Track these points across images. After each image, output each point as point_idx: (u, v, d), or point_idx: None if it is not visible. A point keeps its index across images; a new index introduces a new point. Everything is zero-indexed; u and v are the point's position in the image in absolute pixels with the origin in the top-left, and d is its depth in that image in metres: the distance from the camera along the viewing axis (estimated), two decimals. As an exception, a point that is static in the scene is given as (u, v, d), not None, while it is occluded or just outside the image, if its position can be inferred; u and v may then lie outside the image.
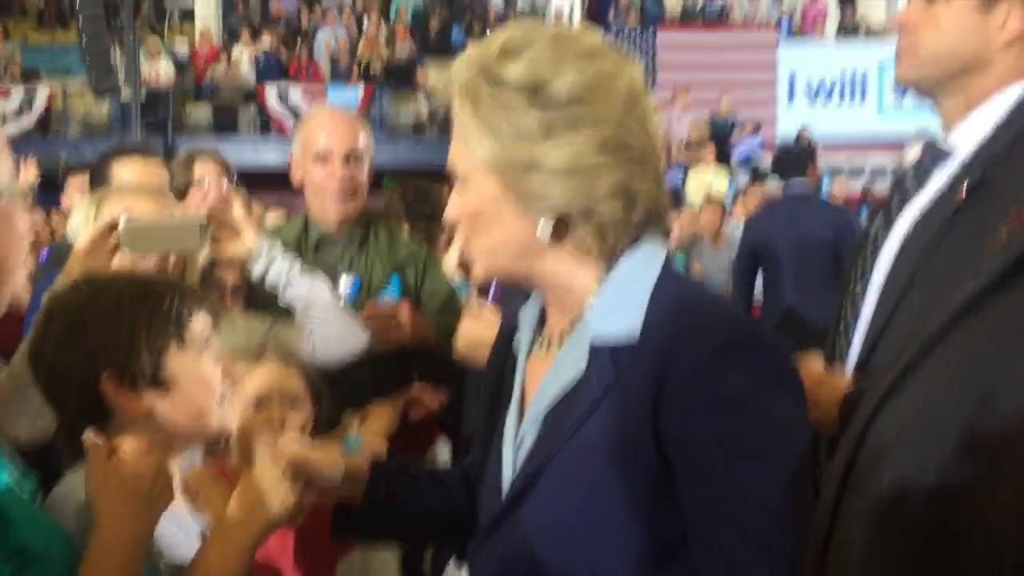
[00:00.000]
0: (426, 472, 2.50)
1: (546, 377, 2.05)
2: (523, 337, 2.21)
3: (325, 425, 3.23)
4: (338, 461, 2.30)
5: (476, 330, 3.22)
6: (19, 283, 2.03)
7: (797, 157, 8.03)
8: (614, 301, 2.00)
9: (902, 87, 2.82)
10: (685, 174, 16.89)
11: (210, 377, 2.46)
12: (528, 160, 1.94)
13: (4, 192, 1.96)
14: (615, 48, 2.16)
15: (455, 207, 2.12)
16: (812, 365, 2.64)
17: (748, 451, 1.86)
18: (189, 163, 4.41)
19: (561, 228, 1.97)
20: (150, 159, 4.18)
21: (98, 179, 4.11)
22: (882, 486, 1.41)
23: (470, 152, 2.03)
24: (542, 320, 2.19)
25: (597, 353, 1.96)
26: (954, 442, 1.32)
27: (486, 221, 2.04)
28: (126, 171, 4.03)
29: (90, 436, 2.15)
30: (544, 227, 1.96)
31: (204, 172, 4.38)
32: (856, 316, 2.72)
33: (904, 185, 2.75)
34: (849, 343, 2.71)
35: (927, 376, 1.42)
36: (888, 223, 2.72)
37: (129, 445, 2.16)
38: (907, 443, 1.40)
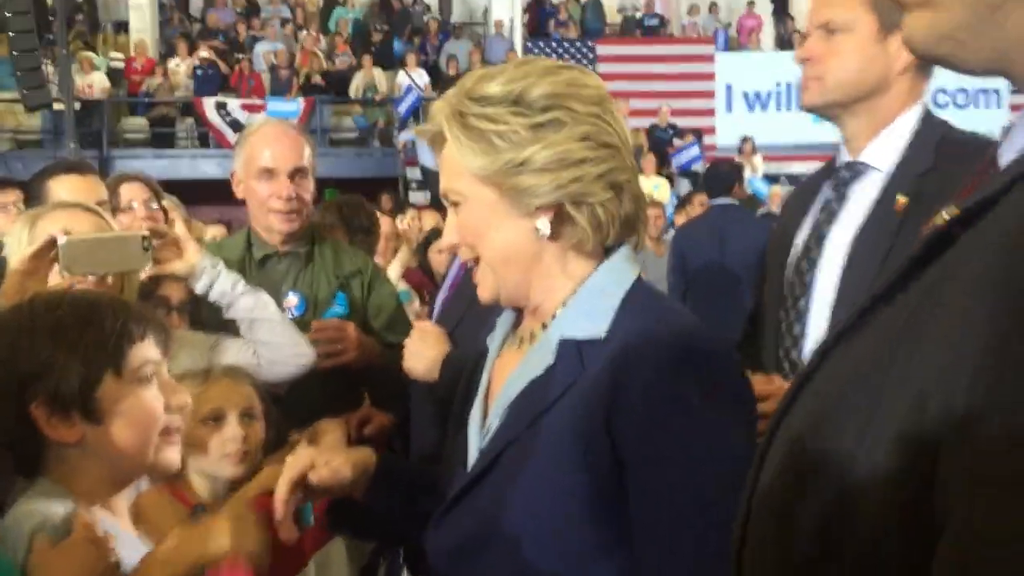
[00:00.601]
0: (422, 477, 2.54)
1: (515, 371, 2.14)
2: (497, 336, 2.28)
3: (272, 444, 3.17)
4: (346, 467, 2.31)
5: (423, 347, 3.21)
6: None
7: (726, 175, 8.36)
8: (587, 305, 2.09)
9: (802, 108, 3.10)
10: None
11: (148, 410, 2.30)
12: (520, 161, 2.06)
13: None
14: (569, 65, 2.28)
15: (454, 230, 2.22)
16: (761, 375, 2.70)
17: (694, 459, 1.93)
18: (115, 187, 4.31)
19: (558, 222, 2.05)
20: (88, 175, 4.10)
21: (34, 197, 4.02)
22: (770, 481, 1.44)
23: (465, 168, 2.13)
24: (517, 323, 2.27)
25: (564, 348, 2.06)
26: (827, 447, 1.33)
27: (490, 230, 2.16)
28: (63, 188, 3.95)
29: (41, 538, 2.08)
30: (543, 222, 2.05)
31: (132, 195, 4.29)
32: (803, 330, 2.86)
33: (828, 202, 2.90)
34: (800, 355, 2.84)
35: (829, 368, 1.43)
36: (820, 240, 2.87)
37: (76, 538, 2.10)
38: (804, 432, 1.42)
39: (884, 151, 2.81)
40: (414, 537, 2.52)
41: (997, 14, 1.15)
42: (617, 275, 2.13)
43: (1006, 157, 1.30)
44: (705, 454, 1.94)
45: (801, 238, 2.92)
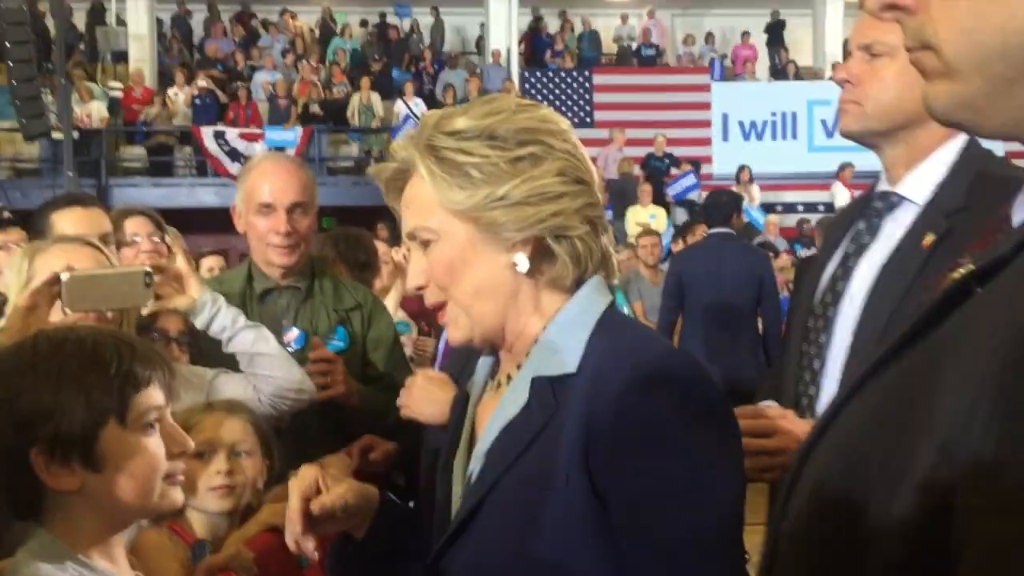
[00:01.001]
0: (420, 519, 2.44)
1: (493, 415, 2.10)
2: (477, 381, 2.26)
3: (276, 478, 3.15)
4: (350, 495, 2.27)
5: (431, 391, 3.20)
6: None
7: (724, 205, 8.41)
8: (557, 340, 2.06)
9: (834, 131, 2.96)
10: (613, 214, 17.00)
11: (151, 459, 2.23)
12: (500, 195, 2.03)
13: None
14: (536, 103, 2.26)
15: (421, 271, 2.16)
16: (776, 408, 2.62)
17: (674, 491, 1.90)
18: (119, 221, 4.30)
19: (537, 256, 2.03)
20: (91, 207, 4.08)
21: (37, 230, 4.01)
22: (794, 528, 1.46)
23: (439, 204, 2.09)
24: (495, 365, 2.25)
25: (537, 387, 2.02)
26: (857, 479, 1.36)
27: (464, 266, 2.12)
28: (67, 221, 3.94)
29: None
30: (521, 257, 2.03)
31: (135, 229, 4.27)
32: (822, 365, 2.75)
33: (859, 233, 2.79)
34: (819, 391, 2.75)
35: (850, 414, 1.46)
36: (847, 273, 2.76)
37: None
38: (826, 478, 1.44)
39: (920, 184, 2.69)
40: None
41: (1014, 88, 1.18)
42: (587, 306, 2.10)
43: (1019, 215, 1.33)
44: (685, 484, 1.91)
45: (830, 270, 2.83)
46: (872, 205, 2.79)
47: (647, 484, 1.92)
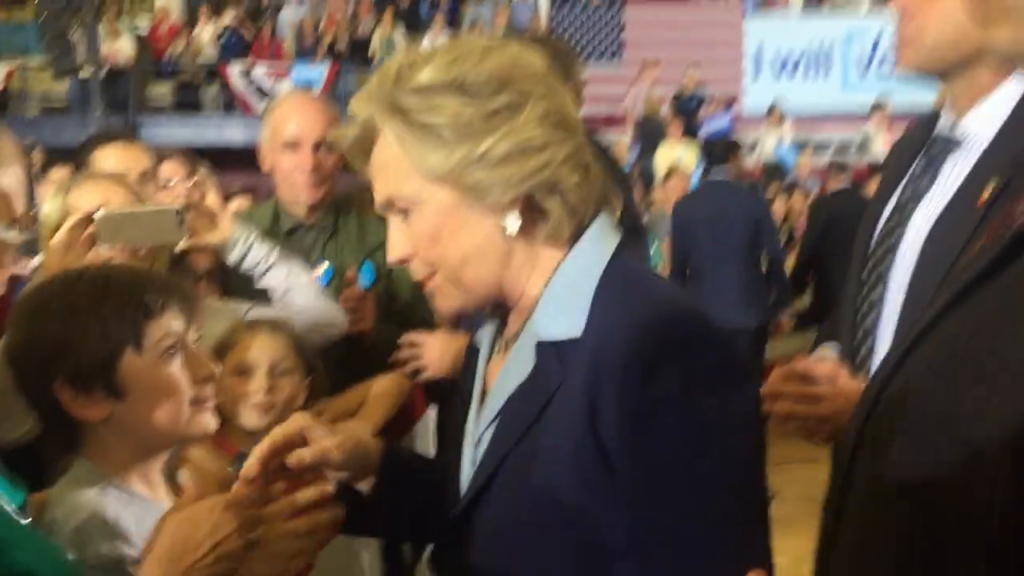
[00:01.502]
0: (425, 471, 2.35)
1: (499, 378, 2.03)
2: (483, 339, 2.19)
3: (319, 395, 3.23)
4: (350, 448, 2.21)
5: (445, 344, 3.21)
6: None
7: (723, 148, 8.82)
8: (560, 298, 1.96)
9: (870, 67, 2.76)
10: (641, 152, 16.93)
11: (172, 383, 2.37)
12: (479, 154, 1.90)
13: None
14: (507, 40, 2.10)
15: (403, 241, 2.02)
16: (829, 367, 2.51)
17: (683, 457, 1.83)
18: (155, 164, 4.33)
19: (528, 215, 1.94)
20: (132, 144, 4.11)
21: (79, 167, 4.04)
22: (882, 472, 1.47)
23: (414, 169, 1.96)
24: (503, 322, 2.17)
25: (543, 352, 1.94)
26: (941, 428, 1.37)
27: (450, 235, 1.96)
28: (108, 158, 3.98)
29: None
30: (511, 218, 1.93)
31: (172, 172, 4.34)
32: (877, 320, 2.62)
33: (915, 177, 2.62)
34: (873, 348, 2.61)
35: (918, 361, 1.48)
36: (902, 220, 2.60)
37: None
38: (903, 429, 1.46)
39: (983, 122, 2.47)
40: (422, 539, 2.41)
41: None
42: (589, 259, 1.95)
43: None
44: (696, 450, 1.83)
45: (884, 217, 2.66)
46: (933, 146, 2.60)
47: (654, 455, 1.83)
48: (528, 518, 1.94)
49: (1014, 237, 1.39)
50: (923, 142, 2.65)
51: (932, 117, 2.67)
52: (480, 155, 1.90)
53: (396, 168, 1.96)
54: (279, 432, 2.15)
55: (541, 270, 1.97)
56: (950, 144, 2.54)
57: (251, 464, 2.12)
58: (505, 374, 2.00)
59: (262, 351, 3.14)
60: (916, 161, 2.64)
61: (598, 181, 1.99)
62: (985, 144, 2.47)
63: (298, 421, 2.16)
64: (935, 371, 1.45)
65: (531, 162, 1.90)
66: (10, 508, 2.02)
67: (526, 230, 1.94)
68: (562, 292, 1.97)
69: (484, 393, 2.13)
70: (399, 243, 2.01)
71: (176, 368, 2.35)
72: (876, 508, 1.51)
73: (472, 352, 2.23)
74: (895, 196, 2.66)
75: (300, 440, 2.15)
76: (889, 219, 2.63)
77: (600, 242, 1.98)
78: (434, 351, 3.47)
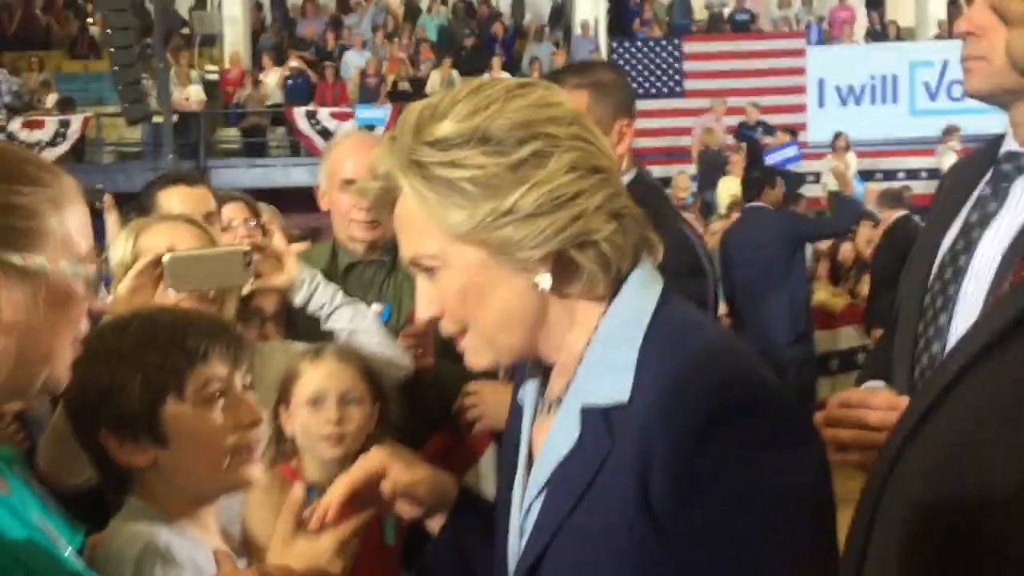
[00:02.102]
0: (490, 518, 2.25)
1: (544, 444, 1.90)
2: (527, 399, 2.11)
3: (392, 428, 3.20)
4: (421, 487, 2.16)
5: (501, 395, 3.19)
6: (61, 367, 1.99)
7: (755, 181, 8.89)
8: (603, 359, 1.86)
9: (938, 94, 2.63)
10: (700, 186, 16.91)
11: (214, 430, 2.36)
12: (505, 210, 1.79)
13: (67, 270, 1.92)
14: (531, 81, 1.97)
15: (431, 300, 1.93)
16: (886, 397, 2.38)
17: (740, 529, 1.70)
18: (217, 207, 4.36)
19: (561, 270, 1.87)
20: (196, 186, 4.17)
21: (144, 208, 4.10)
22: (906, 516, 1.46)
23: (438, 230, 1.87)
24: (546, 380, 2.08)
25: (589, 417, 1.83)
26: (972, 477, 1.36)
27: (479, 294, 1.84)
28: (172, 200, 4.01)
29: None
30: (543, 276, 1.86)
31: (232, 215, 4.34)
32: (942, 349, 2.47)
33: (983, 199, 2.51)
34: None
35: (948, 414, 1.46)
36: (969, 246, 2.49)
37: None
38: (931, 478, 1.45)
39: None
40: None
41: None
42: (632, 314, 1.83)
43: None
44: (754, 520, 1.69)
45: (948, 241, 2.53)
46: (1000, 168, 2.49)
47: (707, 526, 1.69)
48: (585, 570, 1.84)
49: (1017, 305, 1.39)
50: (985, 167, 2.56)
51: (994, 143, 2.59)
52: (507, 210, 1.72)
53: (419, 226, 1.77)
54: (360, 470, 2.14)
55: (581, 327, 1.84)
56: (1020, 164, 2.44)
57: (331, 505, 2.12)
58: (551, 440, 1.89)
59: (331, 380, 3.12)
60: (981, 186, 2.53)
61: (636, 227, 1.83)
62: None
63: (379, 456, 2.14)
64: (969, 418, 1.44)
65: (562, 214, 1.75)
66: (68, 551, 2.02)
67: (560, 286, 1.84)
68: (605, 352, 1.82)
69: (531, 457, 2.07)
70: (427, 302, 1.88)
71: (217, 413, 2.36)
72: (899, 550, 1.50)
73: (516, 411, 2.16)
74: (958, 221, 2.55)
75: (380, 476, 2.15)
76: (955, 244, 2.51)
77: (642, 293, 1.82)
78: (491, 401, 3.41)
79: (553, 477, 1.85)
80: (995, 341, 1.43)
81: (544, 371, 2.05)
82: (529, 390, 2.07)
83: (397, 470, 2.11)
